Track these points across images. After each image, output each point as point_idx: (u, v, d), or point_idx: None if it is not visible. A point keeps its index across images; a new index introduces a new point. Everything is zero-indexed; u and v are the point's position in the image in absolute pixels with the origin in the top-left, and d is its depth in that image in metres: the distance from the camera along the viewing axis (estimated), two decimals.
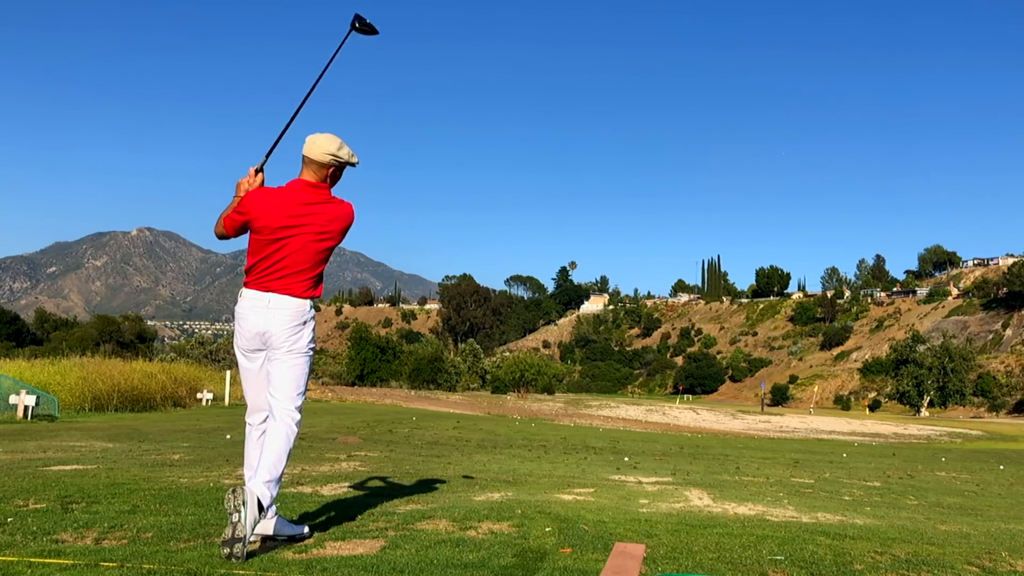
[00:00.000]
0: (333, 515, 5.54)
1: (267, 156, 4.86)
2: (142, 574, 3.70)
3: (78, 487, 6.51)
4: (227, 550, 4.11)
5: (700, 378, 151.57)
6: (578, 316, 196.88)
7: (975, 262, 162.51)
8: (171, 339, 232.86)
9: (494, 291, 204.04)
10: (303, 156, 4.61)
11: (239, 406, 24.30)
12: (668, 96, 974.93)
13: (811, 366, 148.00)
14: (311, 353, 4.69)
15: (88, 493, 6.18)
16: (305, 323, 4.62)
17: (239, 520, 4.13)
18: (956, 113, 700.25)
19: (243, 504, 4.16)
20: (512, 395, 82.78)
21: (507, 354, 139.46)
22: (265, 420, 4.76)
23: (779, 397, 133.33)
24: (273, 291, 4.55)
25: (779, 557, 4.73)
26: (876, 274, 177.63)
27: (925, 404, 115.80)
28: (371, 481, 7.61)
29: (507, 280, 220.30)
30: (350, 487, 7.14)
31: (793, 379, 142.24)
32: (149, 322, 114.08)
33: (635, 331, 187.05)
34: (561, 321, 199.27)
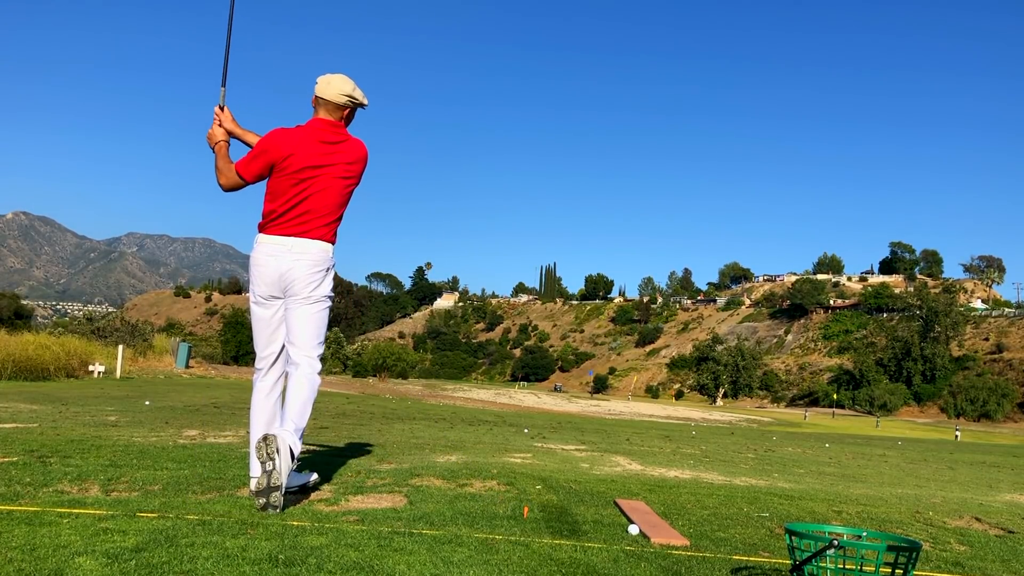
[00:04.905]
0: (319, 473, 4.94)
1: (223, 84, 4.22)
2: (191, 524, 3.08)
3: (38, 443, 5.62)
4: (262, 500, 3.49)
5: (534, 367, 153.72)
6: (431, 311, 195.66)
7: (765, 278, 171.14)
8: (44, 318, 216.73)
9: (356, 285, 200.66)
10: (317, 97, 3.96)
11: (130, 378, 22.62)
12: (516, 118, 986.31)
13: (627, 360, 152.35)
14: (331, 301, 4.07)
15: (53, 448, 5.32)
16: (328, 269, 3.98)
17: (274, 468, 3.52)
18: (752, 152, 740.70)
19: (276, 452, 3.56)
20: (373, 379, 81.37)
21: (367, 343, 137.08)
22: (273, 368, 4.13)
23: (600, 385, 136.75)
24: (295, 235, 3.90)
25: (765, 514, 4.50)
26: (684, 284, 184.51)
27: (720, 395, 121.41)
28: (325, 443, 6.97)
29: (368, 276, 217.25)
30: (309, 448, 6.50)
31: (612, 371, 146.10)
32: (23, 301, 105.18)
33: (480, 325, 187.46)
34: (416, 315, 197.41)
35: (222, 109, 4.19)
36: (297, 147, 3.87)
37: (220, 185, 4.03)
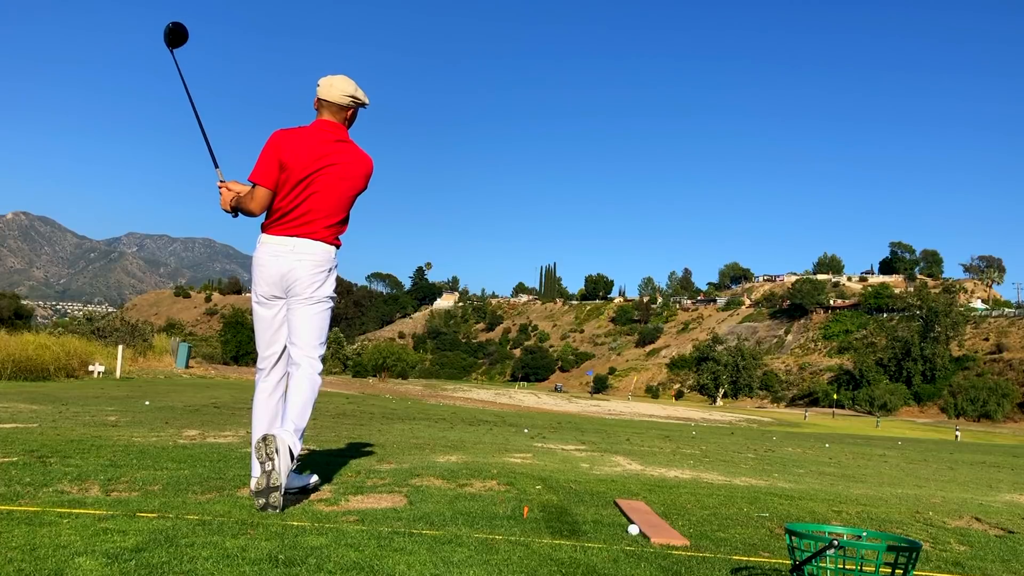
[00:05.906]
0: (319, 473, 4.94)
1: (216, 166, 4.19)
2: (191, 524, 3.08)
3: (38, 443, 5.62)
4: (262, 500, 3.49)
5: (534, 367, 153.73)
6: (431, 311, 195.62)
7: (765, 278, 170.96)
8: (44, 318, 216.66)
9: (356, 285, 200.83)
10: (320, 100, 3.95)
11: (130, 379, 22.61)
12: (516, 119, 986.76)
13: (627, 360, 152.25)
14: (333, 302, 4.05)
15: (53, 448, 5.32)
16: (330, 270, 3.96)
17: (273, 468, 3.52)
18: (752, 152, 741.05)
19: (276, 452, 3.55)
20: (373, 379, 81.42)
21: (367, 343, 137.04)
22: (275, 368, 4.11)
23: (600, 385, 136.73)
24: (298, 236, 3.87)
25: (765, 515, 4.50)
26: (684, 284, 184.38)
27: (720, 395, 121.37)
28: (325, 444, 6.97)
29: (368, 276, 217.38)
30: (309, 448, 6.50)
31: (612, 371, 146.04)
32: (23, 301, 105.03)
33: (480, 326, 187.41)
34: (416, 315, 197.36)
35: (223, 182, 4.13)
36: (299, 146, 3.87)
37: (252, 211, 3.92)
